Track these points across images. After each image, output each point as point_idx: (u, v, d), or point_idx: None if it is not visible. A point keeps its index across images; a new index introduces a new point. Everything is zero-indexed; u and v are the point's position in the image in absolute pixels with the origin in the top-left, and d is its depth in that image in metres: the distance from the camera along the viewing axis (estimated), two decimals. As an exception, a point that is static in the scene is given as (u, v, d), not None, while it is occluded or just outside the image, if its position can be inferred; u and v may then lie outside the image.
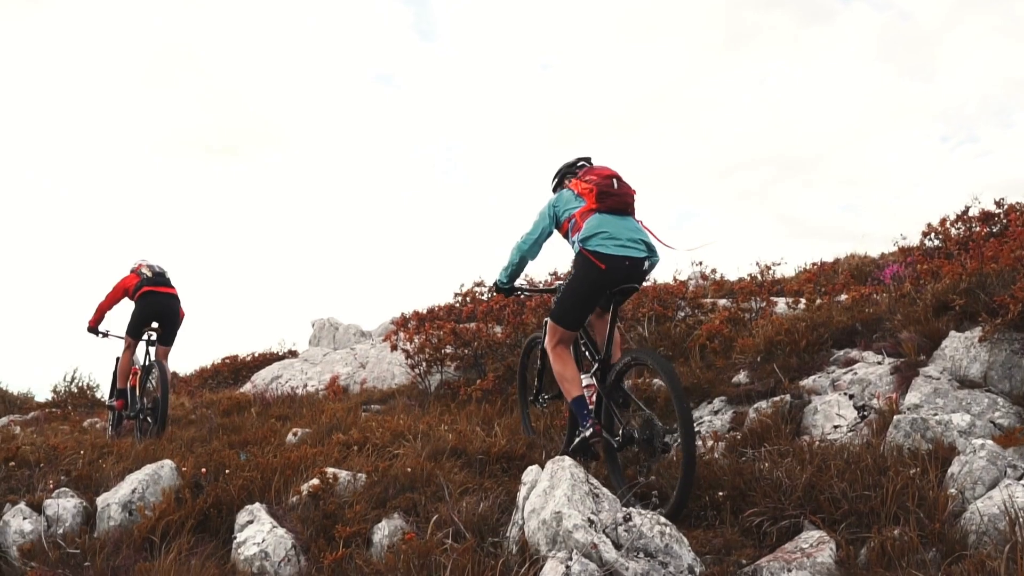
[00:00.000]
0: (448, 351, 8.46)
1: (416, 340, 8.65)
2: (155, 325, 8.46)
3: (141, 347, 8.54)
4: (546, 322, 5.06)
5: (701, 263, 12.66)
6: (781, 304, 8.18)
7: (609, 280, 4.61)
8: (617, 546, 3.38)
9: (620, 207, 4.72)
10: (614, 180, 4.78)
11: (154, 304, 8.35)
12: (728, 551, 3.66)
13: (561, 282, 5.08)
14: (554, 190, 5.45)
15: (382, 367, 11.13)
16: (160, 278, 8.48)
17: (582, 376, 4.86)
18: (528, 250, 5.14)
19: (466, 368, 8.45)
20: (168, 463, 5.35)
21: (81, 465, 6.03)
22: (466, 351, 8.30)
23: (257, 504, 4.59)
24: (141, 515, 4.86)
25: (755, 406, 5.43)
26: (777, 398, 5.40)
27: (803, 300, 7.46)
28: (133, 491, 5.07)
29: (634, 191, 4.86)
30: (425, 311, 11.41)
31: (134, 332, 8.38)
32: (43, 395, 19.14)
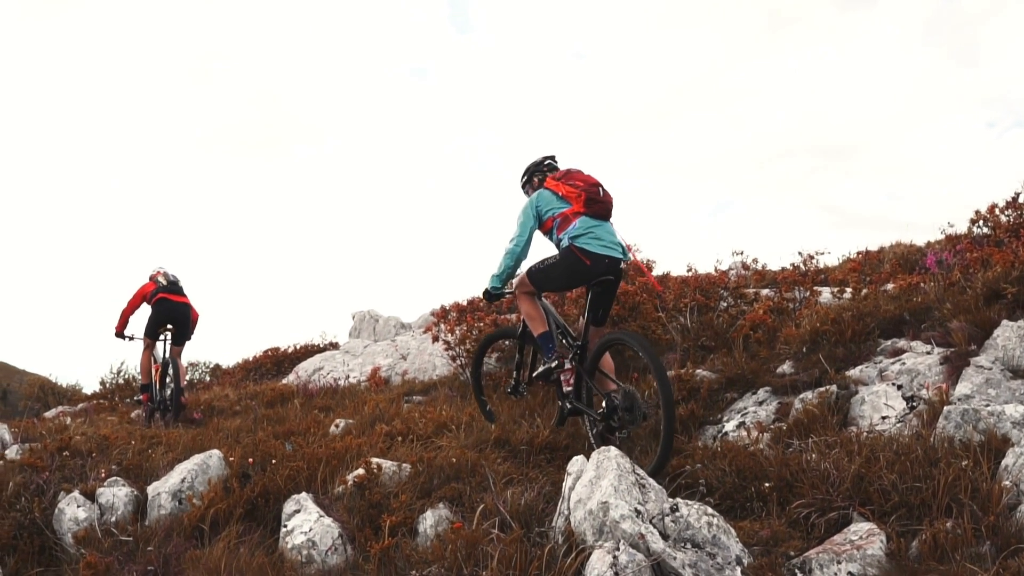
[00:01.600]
0: (489, 343, 8.46)
1: (457, 331, 8.67)
2: (169, 327, 9.61)
3: (159, 346, 9.69)
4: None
5: (742, 253, 12.56)
6: (825, 294, 8.07)
7: (590, 274, 5.25)
8: (664, 536, 3.37)
9: (603, 213, 5.37)
10: (600, 188, 5.39)
11: (168, 309, 9.50)
12: (776, 542, 3.62)
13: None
14: (524, 186, 5.99)
15: (423, 358, 11.19)
16: (174, 287, 9.61)
17: (565, 361, 5.42)
18: (521, 252, 5.53)
19: (507, 359, 8.45)
20: (216, 453, 5.44)
21: (131, 455, 6.15)
22: (507, 342, 8.31)
23: (304, 494, 4.65)
24: (190, 504, 4.94)
25: (800, 396, 5.37)
26: (823, 388, 5.33)
27: (848, 289, 7.35)
28: (182, 480, 5.16)
29: (612, 199, 5.46)
30: (465, 302, 11.43)
31: (151, 333, 9.58)
32: (90, 387, 19.56)
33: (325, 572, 4.05)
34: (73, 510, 5.15)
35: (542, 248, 6.06)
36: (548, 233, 5.54)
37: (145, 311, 9.78)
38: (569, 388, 5.41)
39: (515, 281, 5.68)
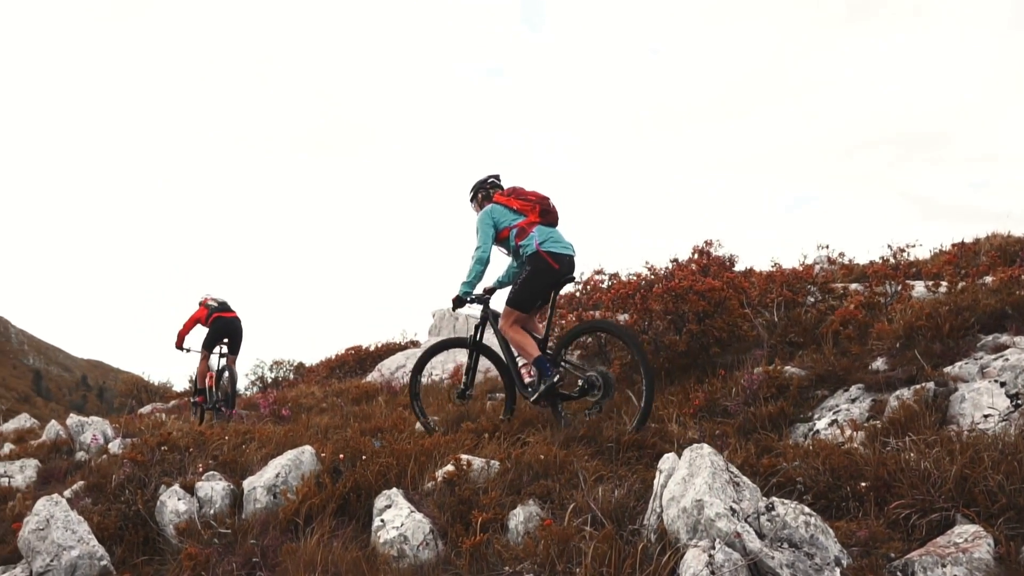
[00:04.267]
0: (571, 339, 8.45)
1: (540, 328, 8.68)
2: (225, 340, 11.47)
3: (213, 357, 11.48)
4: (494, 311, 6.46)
5: (827, 247, 12.26)
6: (919, 288, 7.82)
7: (559, 274, 6.03)
8: (760, 535, 3.32)
9: (555, 221, 6.27)
10: (550, 201, 6.27)
11: (223, 325, 11.43)
12: (875, 543, 3.53)
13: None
14: (473, 200, 6.78)
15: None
16: (223, 306, 11.63)
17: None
18: (486, 258, 6.25)
19: (591, 356, 8.44)
20: (308, 449, 5.57)
21: (226, 450, 6.34)
22: (590, 339, 8.29)
23: (394, 489, 4.72)
24: (285, 498, 5.08)
25: (896, 394, 5.22)
26: (919, 386, 5.17)
27: (943, 283, 7.10)
28: (277, 475, 5.30)
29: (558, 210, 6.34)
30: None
31: (208, 346, 11.46)
32: (180, 385, 20.26)
33: (417, 567, 4.10)
34: (174, 503, 5.35)
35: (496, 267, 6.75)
36: (503, 242, 6.29)
37: (199, 329, 11.68)
38: (531, 379, 6.16)
39: (500, 325, 6.26)
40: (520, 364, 6.38)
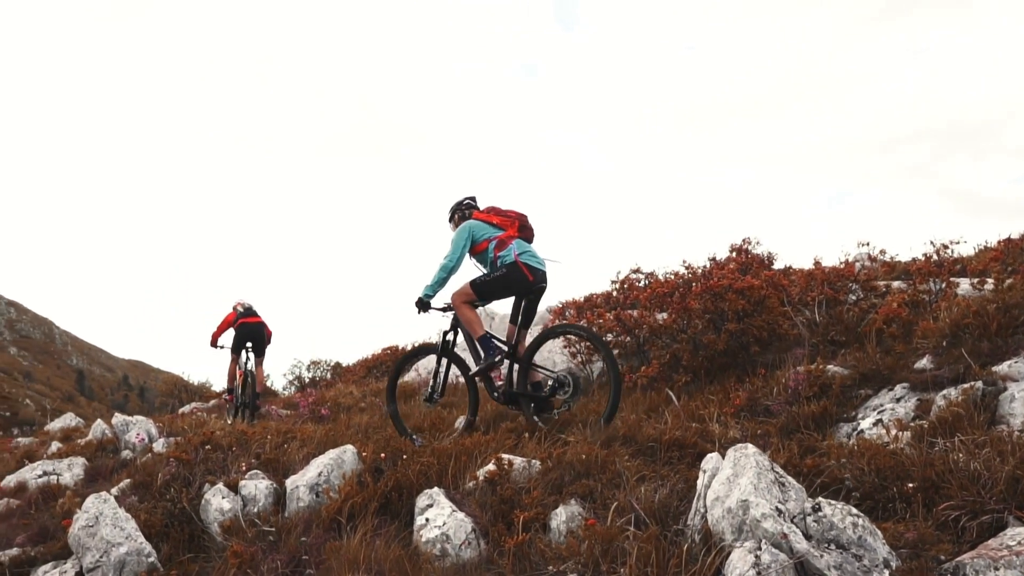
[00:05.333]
0: (609, 338, 8.43)
1: (577, 328, 8.65)
2: (249, 344, 12.34)
3: (242, 359, 12.32)
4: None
5: (868, 243, 12.09)
6: (964, 285, 7.68)
7: (530, 286, 6.39)
8: (806, 536, 3.28)
9: (531, 237, 6.70)
10: (527, 218, 6.70)
11: (247, 332, 12.36)
12: (924, 545, 3.47)
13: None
14: (451, 220, 7.13)
15: (542, 355, 11.22)
16: (250, 311, 12.58)
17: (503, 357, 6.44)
18: (454, 267, 6.57)
19: (628, 355, 8.40)
20: (350, 448, 5.61)
21: (268, 449, 6.41)
22: (628, 338, 8.25)
23: (436, 488, 4.73)
24: (327, 497, 5.12)
25: (942, 393, 5.13)
26: (967, 385, 5.08)
27: (990, 280, 6.97)
28: (319, 474, 5.34)
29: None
30: (582, 299, 11.42)
31: (235, 349, 12.48)
32: (219, 384, 20.56)
33: (459, 566, 4.11)
34: (218, 501, 5.42)
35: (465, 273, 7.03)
36: (480, 254, 6.61)
37: (231, 330, 12.60)
38: (501, 382, 6.64)
39: (455, 293, 6.61)
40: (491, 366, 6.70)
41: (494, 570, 3.97)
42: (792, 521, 3.33)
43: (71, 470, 7.39)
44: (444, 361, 7.00)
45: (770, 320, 7.34)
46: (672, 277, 9.30)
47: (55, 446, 9.22)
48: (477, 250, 6.62)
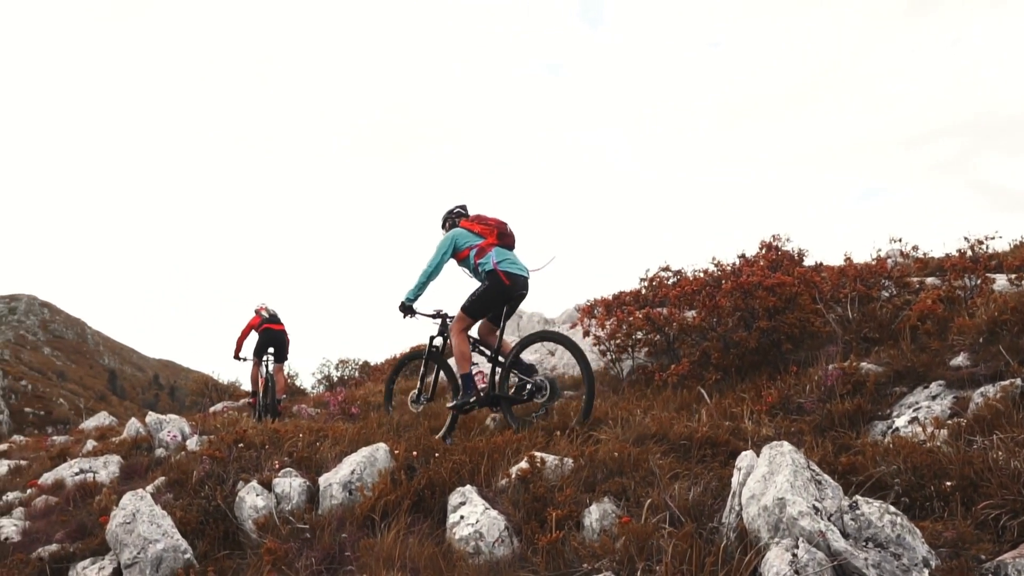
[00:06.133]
0: (639, 336, 8.40)
1: (608, 326, 8.64)
2: (271, 350, 12.75)
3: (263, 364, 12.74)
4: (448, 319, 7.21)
5: (900, 240, 11.95)
6: (1001, 281, 7.57)
7: (510, 291, 6.65)
8: (844, 535, 3.25)
9: (512, 244, 6.94)
10: (507, 226, 6.93)
11: (270, 338, 12.74)
12: (963, 545, 3.42)
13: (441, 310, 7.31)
14: (443, 227, 7.39)
15: (563, 357, 11.19)
16: (273, 318, 12.88)
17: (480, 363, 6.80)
18: (434, 271, 6.90)
19: (658, 353, 8.37)
20: (383, 446, 5.63)
21: (301, 447, 6.45)
22: (658, 336, 8.22)
23: (468, 486, 4.74)
24: (360, 495, 5.15)
25: (980, 391, 5.06)
26: (1006, 382, 5.01)
27: (1027, 276, 6.87)
28: (352, 472, 5.37)
29: (515, 234, 7.01)
30: (611, 297, 11.38)
31: (257, 354, 12.82)
32: (248, 384, 20.76)
33: (493, 563, 4.11)
34: (252, 498, 5.46)
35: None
36: (463, 260, 6.92)
37: (254, 335, 12.91)
38: (484, 385, 6.86)
39: (452, 325, 6.91)
40: (474, 371, 7.04)
41: (528, 567, 3.97)
42: (829, 519, 3.30)
43: (107, 468, 7.48)
44: (433, 366, 7.39)
45: (802, 317, 7.27)
46: (701, 275, 9.25)
47: (90, 444, 9.33)
48: (460, 257, 6.95)
